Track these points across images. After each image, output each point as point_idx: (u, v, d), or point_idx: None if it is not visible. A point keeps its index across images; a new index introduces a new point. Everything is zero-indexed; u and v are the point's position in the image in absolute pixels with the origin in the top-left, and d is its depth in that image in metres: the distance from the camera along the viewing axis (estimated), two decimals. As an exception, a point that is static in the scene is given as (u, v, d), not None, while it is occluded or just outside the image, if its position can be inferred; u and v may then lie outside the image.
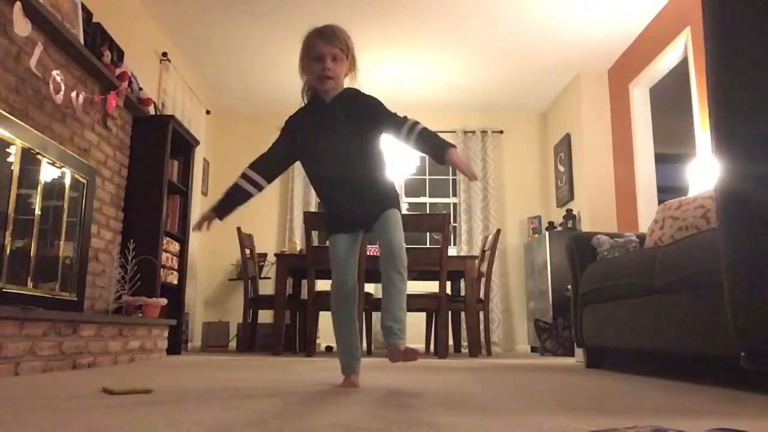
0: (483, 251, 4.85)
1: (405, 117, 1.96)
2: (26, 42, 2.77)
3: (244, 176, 2.01)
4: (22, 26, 2.64)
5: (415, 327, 5.99)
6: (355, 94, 2.01)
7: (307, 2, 4.49)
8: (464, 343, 5.30)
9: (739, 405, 1.52)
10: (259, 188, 2.02)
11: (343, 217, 1.99)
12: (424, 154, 2.04)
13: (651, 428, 0.95)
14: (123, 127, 3.87)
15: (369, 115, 1.97)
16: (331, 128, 1.96)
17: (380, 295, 2.13)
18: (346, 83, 2.01)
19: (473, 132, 6.51)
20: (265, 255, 5.87)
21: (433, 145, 1.87)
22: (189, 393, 1.65)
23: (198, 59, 5.48)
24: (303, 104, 2.06)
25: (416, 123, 1.91)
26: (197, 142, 4.61)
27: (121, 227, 3.83)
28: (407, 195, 6.59)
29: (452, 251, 6.04)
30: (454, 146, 1.84)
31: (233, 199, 2.00)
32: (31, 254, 2.65)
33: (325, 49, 1.90)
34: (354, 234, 1.99)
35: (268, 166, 2.05)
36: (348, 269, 1.96)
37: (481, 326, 4.62)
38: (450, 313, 4.74)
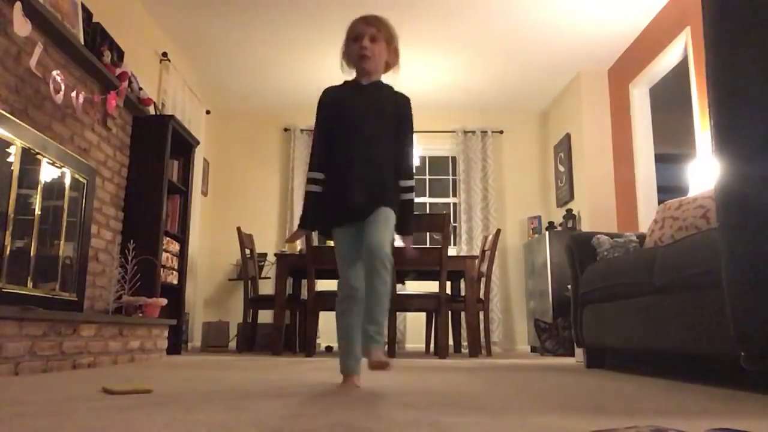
0: (483, 251, 4.85)
1: (411, 170, 2.04)
2: (26, 42, 2.77)
3: (311, 181, 1.99)
4: (22, 26, 2.64)
5: (415, 327, 6.01)
6: (394, 92, 2.05)
7: (306, 3, 4.49)
8: (464, 343, 5.30)
9: (739, 405, 1.52)
10: (325, 183, 2.01)
11: (346, 203, 1.91)
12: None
13: (651, 428, 0.95)
14: (123, 127, 3.87)
15: (398, 120, 2.01)
16: (365, 108, 1.98)
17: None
18: (387, 80, 2.06)
19: (473, 132, 6.51)
20: (265, 255, 5.88)
21: (403, 221, 1.98)
22: (189, 393, 1.65)
23: (198, 59, 5.48)
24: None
25: (412, 189, 2.02)
26: (197, 142, 4.61)
27: (121, 227, 3.83)
28: (407, 195, 6.57)
29: (452, 251, 6.04)
30: (411, 234, 2.07)
31: (315, 208, 1.99)
32: (31, 254, 2.65)
33: (363, 28, 1.95)
34: (355, 226, 1.92)
35: (325, 157, 2.00)
36: (356, 271, 1.91)
37: (481, 326, 4.62)
38: (450, 313, 4.75)
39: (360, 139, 1.95)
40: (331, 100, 2.03)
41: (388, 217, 1.90)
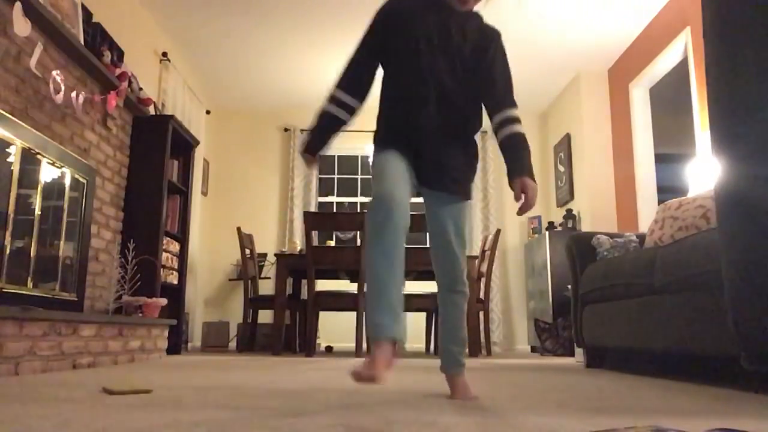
0: (483, 251, 4.85)
1: (513, 98, 1.62)
2: (26, 42, 2.77)
3: (334, 101, 1.59)
4: (22, 26, 2.64)
5: (415, 327, 6.01)
6: (484, 25, 1.62)
7: (307, 3, 4.48)
8: (464, 343, 5.30)
9: (739, 405, 1.52)
10: (352, 111, 1.60)
11: (410, 127, 1.54)
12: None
13: (651, 428, 0.95)
14: (123, 127, 3.87)
15: (483, 57, 1.58)
16: (441, 31, 1.55)
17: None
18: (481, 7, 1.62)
19: (473, 132, 6.50)
20: (265, 255, 5.88)
21: (513, 160, 1.53)
22: (189, 393, 1.65)
23: (198, 59, 5.48)
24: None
25: (519, 119, 1.59)
26: (197, 142, 4.61)
27: (121, 227, 3.83)
28: (407, 195, 6.58)
29: (452, 251, 6.03)
30: (532, 177, 1.49)
31: (325, 131, 1.61)
32: (31, 254, 2.65)
33: None
34: (407, 163, 1.53)
35: (359, 78, 1.61)
36: (398, 183, 1.45)
37: (481, 326, 4.62)
38: (450, 313, 4.73)
39: (431, 75, 1.53)
40: (396, 13, 1.59)
41: (465, 214, 1.61)
